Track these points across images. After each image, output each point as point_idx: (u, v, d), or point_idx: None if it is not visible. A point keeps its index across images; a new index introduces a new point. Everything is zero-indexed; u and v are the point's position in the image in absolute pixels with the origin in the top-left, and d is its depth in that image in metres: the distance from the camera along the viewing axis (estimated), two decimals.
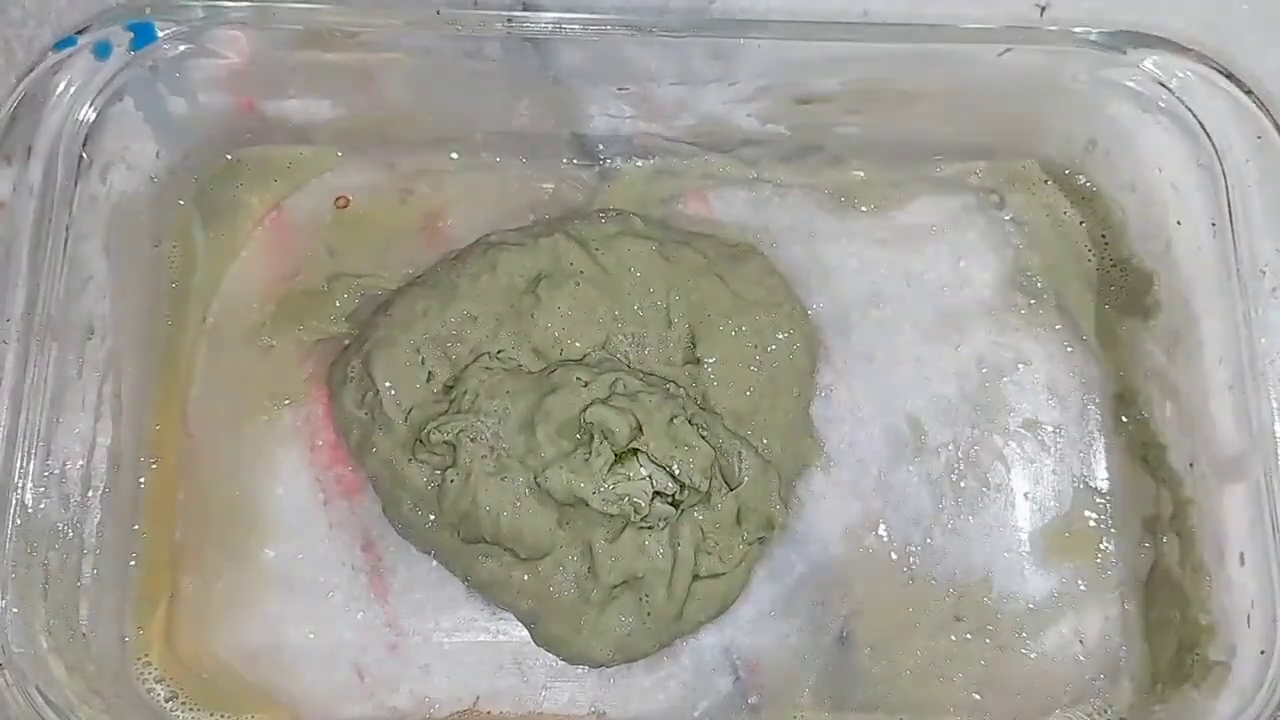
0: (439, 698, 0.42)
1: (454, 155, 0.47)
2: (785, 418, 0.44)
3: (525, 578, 0.41)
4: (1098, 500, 0.45)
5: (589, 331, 0.43)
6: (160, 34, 0.42)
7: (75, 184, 0.41)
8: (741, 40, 0.42)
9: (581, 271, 0.44)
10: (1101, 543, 0.44)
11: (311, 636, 0.42)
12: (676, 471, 0.41)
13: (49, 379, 0.40)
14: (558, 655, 0.42)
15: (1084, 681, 0.43)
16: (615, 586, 0.41)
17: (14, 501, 0.38)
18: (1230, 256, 0.41)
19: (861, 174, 0.48)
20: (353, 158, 0.46)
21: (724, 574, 0.42)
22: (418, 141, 0.46)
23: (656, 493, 0.41)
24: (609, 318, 0.44)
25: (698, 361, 0.44)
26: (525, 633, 0.42)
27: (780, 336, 0.45)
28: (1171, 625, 0.42)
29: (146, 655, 0.42)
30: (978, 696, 0.43)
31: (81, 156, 0.41)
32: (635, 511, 0.40)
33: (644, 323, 0.44)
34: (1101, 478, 0.45)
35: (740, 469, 0.42)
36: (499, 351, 0.43)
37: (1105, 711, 0.42)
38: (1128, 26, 0.43)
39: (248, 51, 0.43)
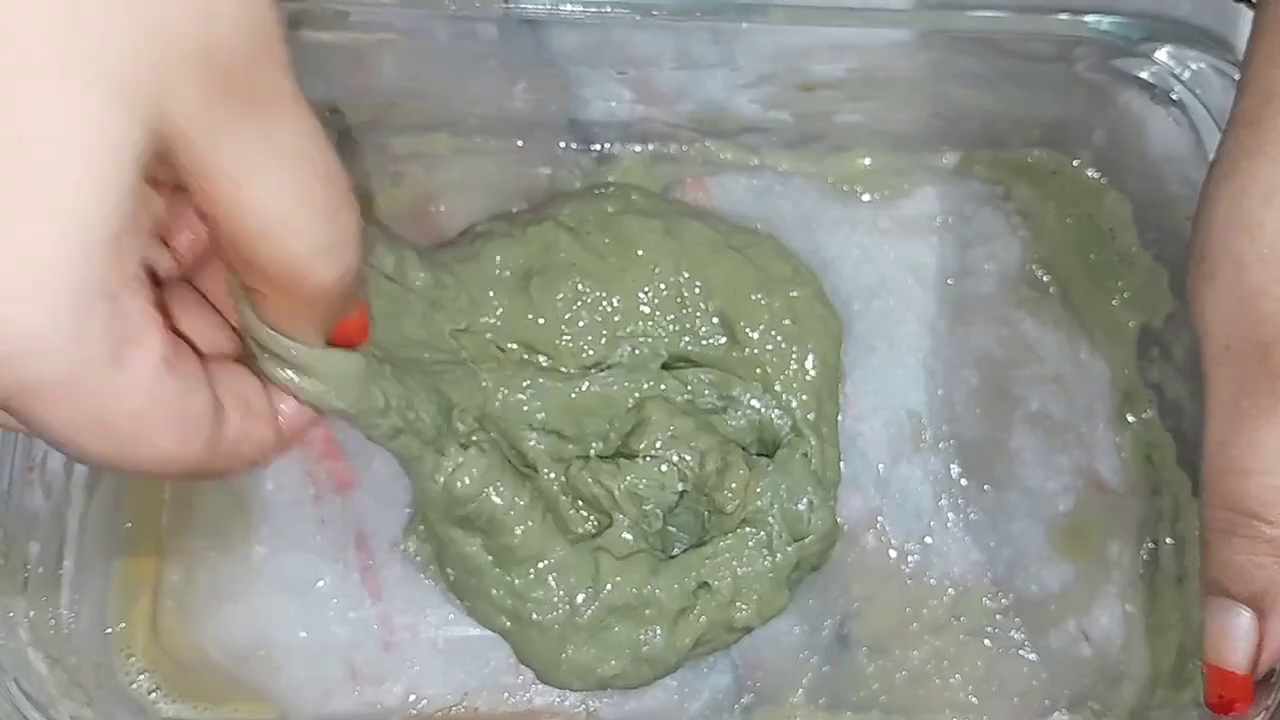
0: (428, 694, 0.41)
1: (448, 138, 0.46)
2: (829, 421, 0.42)
3: (504, 589, 0.39)
4: (1101, 500, 0.44)
5: (596, 333, 0.41)
6: None
7: None
8: (744, 25, 0.41)
9: (574, 264, 0.41)
10: (1103, 543, 0.44)
11: (303, 635, 0.42)
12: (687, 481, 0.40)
13: None
14: (536, 676, 0.40)
15: (1083, 684, 0.42)
16: (614, 611, 0.39)
17: None
18: None
19: (865, 162, 0.47)
20: (344, 139, 0.46)
21: (756, 628, 0.40)
22: (410, 124, 0.45)
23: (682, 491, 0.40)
24: (614, 314, 0.42)
25: (740, 347, 0.42)
26: None
27: (816, 312, 0.43)
28: (1173, 630, 0.42)
29: (130, 648, 0.41)
30: (974, 699, 0.42)
31: None
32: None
33: (661, 311, 0.42)
34: (1105, 477, 0.44)
35: (811, 520, 0.40)
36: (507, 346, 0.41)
37: (1104, 715, 0.42)
38: (1140, 15, 0.42)
39: None
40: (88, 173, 0.22)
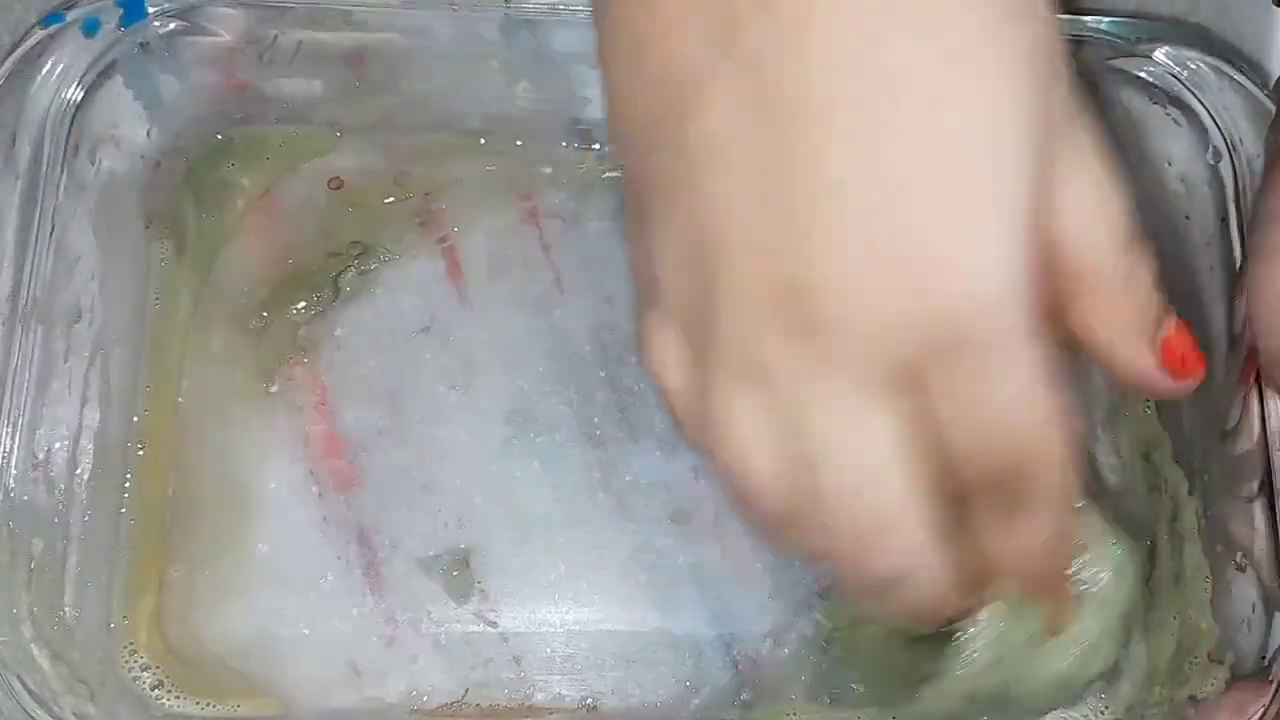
0: (430, 690, 0.42)
1: (448, 138, 0.46)
2: None
3: None
4: (1098, 499, 0.44)
5: None
6: (150, 10, 0.41)
7: (63, 164, 0.40)
8: None
9: None
10: (1101, 542, 0.44)
11: (306, 631, 0.42)
12: None
13: (35, 362, 0.39)
14: None
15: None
16: None
17: None
18: (1239, 253, 0.40)
19: None
20: (347, 138, 0.46)
21: None
22: (413, 123, 0.45)
23: None
24: None
25: None
26: (518, 625, 0.42)
27: None
28: (1170, 628, 0.42)
29: (133, 643, 0.41)
30: None
31: (69, 136, 0.41)
32: None
33: None
34: (1103, 476, 0.44)
35: None
36: None
37: (1102, 713, 0.42)
38: (1139, 15, 0.42)
39: (240, 29, 0.42)
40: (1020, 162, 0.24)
